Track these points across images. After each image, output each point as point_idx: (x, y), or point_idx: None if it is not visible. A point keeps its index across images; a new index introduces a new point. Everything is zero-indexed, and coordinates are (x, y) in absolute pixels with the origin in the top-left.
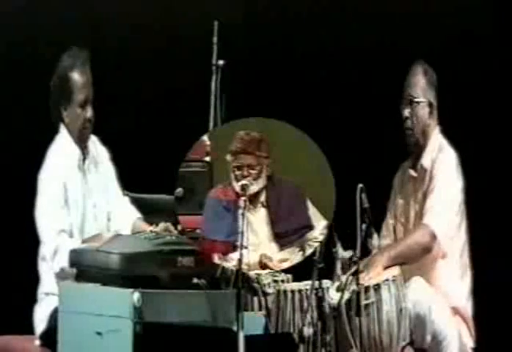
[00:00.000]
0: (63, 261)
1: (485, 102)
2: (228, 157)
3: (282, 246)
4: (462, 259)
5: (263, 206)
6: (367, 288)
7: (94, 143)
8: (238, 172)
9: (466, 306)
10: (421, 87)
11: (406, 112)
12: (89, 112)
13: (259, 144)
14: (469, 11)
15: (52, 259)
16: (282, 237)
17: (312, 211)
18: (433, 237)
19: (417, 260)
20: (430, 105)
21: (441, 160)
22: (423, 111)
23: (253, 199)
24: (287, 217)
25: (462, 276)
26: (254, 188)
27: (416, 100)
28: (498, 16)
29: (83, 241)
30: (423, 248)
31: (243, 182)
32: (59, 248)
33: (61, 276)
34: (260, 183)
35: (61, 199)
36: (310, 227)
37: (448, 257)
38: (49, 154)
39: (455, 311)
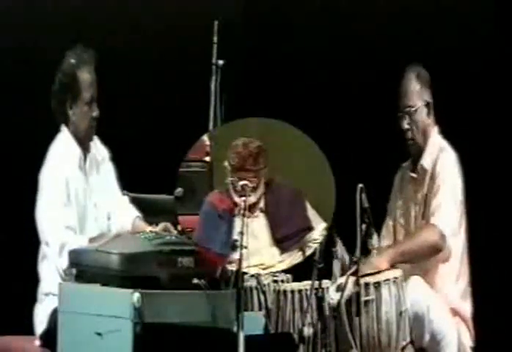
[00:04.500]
0: None
1: (484, 101)
2: (226, 164)
3: (283, 250)
4: (462, 259)
5: (262, 211)
6: (367, 285)
7: (94, 143)
8: (235, 183)
9: (464, 305)
10: (415, 92)
11: (405, 124)
12: (95, 111)
13: (256, 158)
14: (469, 11)
15: (59, 255)
16: (283, 242)
17: (312, 212)
18: (443, 237)
19: (424, 259)
20: (427, 104)
21: (443, 160)
22: (421, 114)
23: (252, 205)
24: (286, 222)
25: (460, 276)
26: (251, 200)
27: (413, 109)
28: (498, 16)
29: (90, 240)
30: (433, 248)
31: (244, 182)
32: (65, 244)
33: (67, 273)
34: (258, 194)
35: (64, 196)
36: (309, 228)
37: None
38: (50, 153)
39: (454, 311)
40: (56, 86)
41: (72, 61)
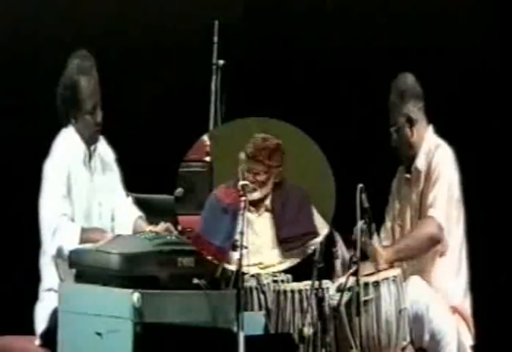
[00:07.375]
0: (61, 240)
1: (481, 100)
2: (242, 155)
3: (285, 251)
4: (460, 256)
5: (267, 210)
6: (366, 284)
7: (101, 143)
8: (246, 174)
9: (464, 304)
10: (395, 110)
11: (393, 142)
12: (98, 116)
13: (271, 153)
14: (468, 12)
15: (51, 240)
16: (286, 243)
17: (317, 218)
18: (440, 228)
19: (424, 252)
20: (409, 118)
21: (439, 156)
22: (405, 130)
23: (257, 202)
24: (291, 222)
25: (459, 272)
26: (256, 195)
27: (395, 128)
28: (497, 18)
29: (83, 230)
30: (431, 239)
31: (244, 182)
32: (58, 228)
33: (59, 255)
34: (264, 191)
35: (64, 187)
36: (315, 234)
37: (447, 254)
38: (54, 146)
39: (454, 309)
40: (59, 95)
41: (73, 70)
